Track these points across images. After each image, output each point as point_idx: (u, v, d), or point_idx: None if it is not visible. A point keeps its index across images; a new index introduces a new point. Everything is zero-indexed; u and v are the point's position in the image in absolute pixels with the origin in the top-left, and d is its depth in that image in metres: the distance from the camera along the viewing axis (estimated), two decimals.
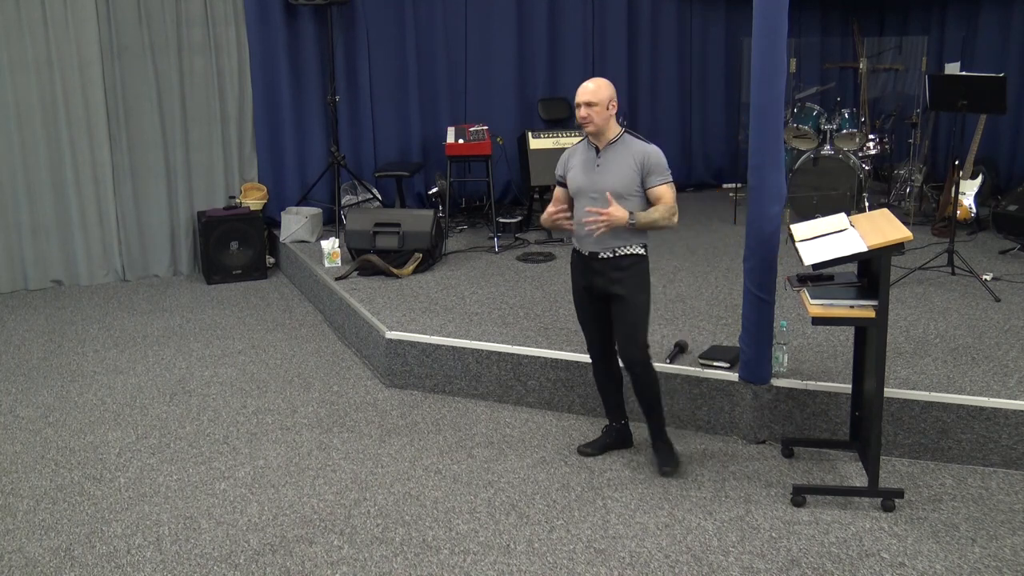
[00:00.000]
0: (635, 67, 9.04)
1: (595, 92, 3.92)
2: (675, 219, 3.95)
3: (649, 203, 3.96)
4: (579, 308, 4.19)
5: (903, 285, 5.82)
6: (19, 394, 5.19)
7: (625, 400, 4.36)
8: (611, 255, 3.98)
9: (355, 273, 6.37)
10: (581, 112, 3.93)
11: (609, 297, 4.03)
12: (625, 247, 3.97)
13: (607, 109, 3.93)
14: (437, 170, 8.20)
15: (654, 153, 3.94)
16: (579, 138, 7.44)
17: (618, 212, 3.84)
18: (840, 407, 4.27)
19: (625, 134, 3.99)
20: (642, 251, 4.01)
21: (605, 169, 3.94)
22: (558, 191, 4.16)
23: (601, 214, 3.84)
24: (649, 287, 4.05)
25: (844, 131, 7.62)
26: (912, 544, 3.53)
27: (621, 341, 4.04)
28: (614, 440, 4.36)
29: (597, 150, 3.99)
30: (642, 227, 3.89)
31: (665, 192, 3.94)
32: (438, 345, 5.04)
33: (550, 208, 4.12)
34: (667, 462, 4.15)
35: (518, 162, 7.91)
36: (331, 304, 6.24)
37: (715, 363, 4.51)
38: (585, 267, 4.05)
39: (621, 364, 4.18)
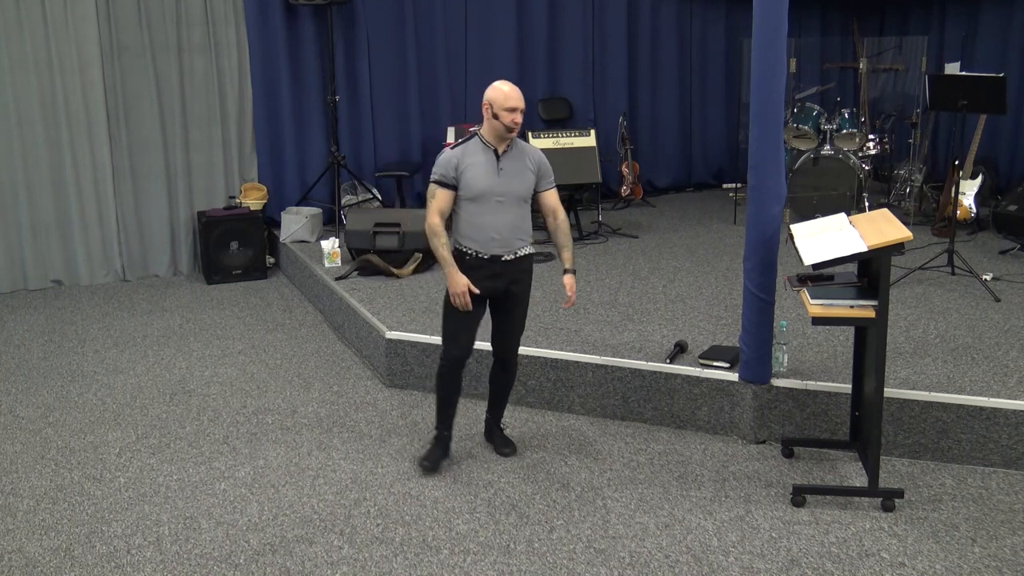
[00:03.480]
0: (635, 67, 9.04)
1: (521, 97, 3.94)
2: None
3: (534, 206, 4.05)
4: (464, 313, 4.00)
5: (903, 285, 5.82)
6: (19, 394, 5.19)
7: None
8: (513, 256, 4.02)
9: (355, 273, 6.37)
10: (517, 118, 3.89)
11: (502, 298, 4.08)
12: (525, 247, 4.06)
13: None
14: None
15: (544, 157, 4.04)
16: (581, 138, 7.49)
17: (572, 286, 4.14)
18: (840, 407, 4.27)
19: (517, 137, 4.02)
20: (532, 248, 4.14)
21: (509, 173, 3.95)
22: (443, 195, 3.94)
23: (571, 297, 4.15)
24: None
25: (844, 131, 7.62)
26: (912, 544, 3.53)
27: (514, 340, 4.18)
28: (447, 450, 4.30)
29: (496, 153, 3.95)
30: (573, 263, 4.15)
31: (555, 198, 4.09)
32: (438, 345, 5.03)
33: (461, 279, 3.92)
34: (509, 443, 4.38)
35: None
36: (331, 304, 6.24)
37: (715, 363, 4.51)
38: (484, 270, 3.99)
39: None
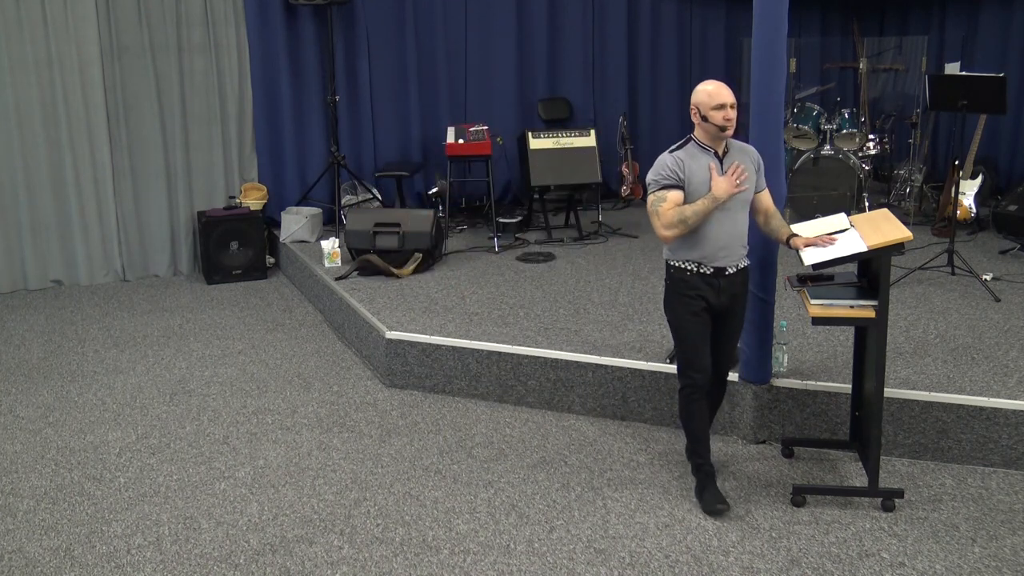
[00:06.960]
0: (635, 67, 9.03)
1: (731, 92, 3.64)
2: None
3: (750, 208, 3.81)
4: (695, 335, 3.76)
5: (903, 285, 5.82)
6: (19, 394, 5.19)
7: None
8: (735, 269, 3.76)
9: (355, 273, 6.36)
10: (728, 114, 3.63)
11: (724, 314, 3.80)
12: (745, 259, 3.81)
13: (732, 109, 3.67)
14: (437, 170, 8.20)
15: (759, 155, 3.84)
16: (581, 138, 7.48)
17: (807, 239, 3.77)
18: (840, 407, 4.27)
19: (731, 137, 3.75)
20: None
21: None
22: (675, 194, 3.63)
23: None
24: None
25: (844, 131, 7.62)
26: (912, 544, 3.53)
27: (728, 357, 3.93)
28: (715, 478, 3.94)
29: (718, 155, 3.72)
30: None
31: (770, 198, 3.89)
32: (438, 345, 5.04)
33: (724, 180, 3.60)
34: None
35: (518, 162, 7.91)
36: (331, 304, 6.24)
37: None
38: (708, 285, 3.72)
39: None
